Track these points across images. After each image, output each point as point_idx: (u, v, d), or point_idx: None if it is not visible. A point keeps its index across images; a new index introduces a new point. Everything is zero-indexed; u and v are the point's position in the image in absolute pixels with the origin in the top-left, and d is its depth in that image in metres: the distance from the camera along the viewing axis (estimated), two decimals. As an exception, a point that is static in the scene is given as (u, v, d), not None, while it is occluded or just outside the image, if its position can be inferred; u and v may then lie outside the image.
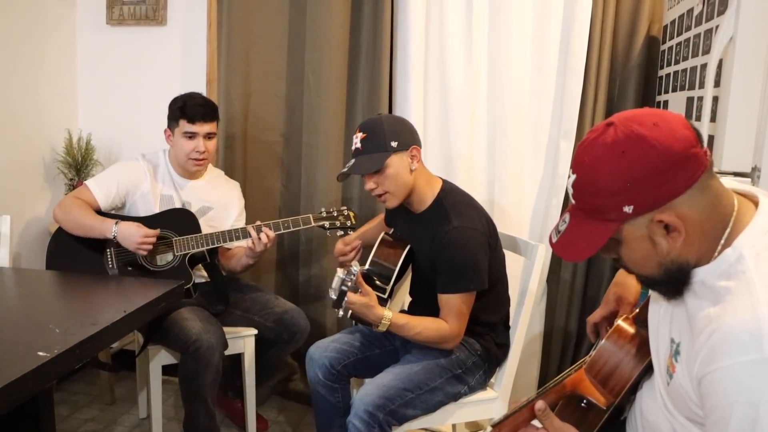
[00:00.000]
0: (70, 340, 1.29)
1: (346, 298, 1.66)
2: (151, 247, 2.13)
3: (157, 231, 2.14)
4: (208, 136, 2.25)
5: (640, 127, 0.94)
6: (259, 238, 2.15)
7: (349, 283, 1.65)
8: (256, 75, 2.69)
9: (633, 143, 0.93)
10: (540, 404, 1.13)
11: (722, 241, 0.96)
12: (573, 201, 1.03)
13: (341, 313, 1.67)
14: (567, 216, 1.04)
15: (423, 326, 1.77)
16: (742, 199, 1.00)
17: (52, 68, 2.83)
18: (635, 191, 0.93)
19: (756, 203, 0.99)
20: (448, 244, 1.76)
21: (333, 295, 1.66)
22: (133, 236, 2.10)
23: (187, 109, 2.21)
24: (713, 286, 0.95)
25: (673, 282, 1.00)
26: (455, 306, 1.77)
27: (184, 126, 2.21)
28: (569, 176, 1.02)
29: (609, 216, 0.96)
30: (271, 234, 2.16)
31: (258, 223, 2.19)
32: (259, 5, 2.63)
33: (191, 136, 2.22)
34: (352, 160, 1.84)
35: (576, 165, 1.00)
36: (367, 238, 2.12)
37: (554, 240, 1.05)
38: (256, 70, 2.68)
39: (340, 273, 1.66)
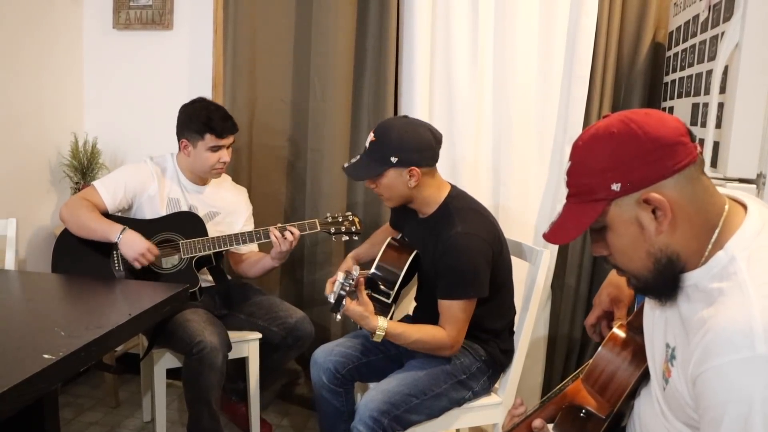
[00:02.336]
0: (75, 343, 1.30)
1: (344, 303, 1.65)
2: (147, 263, 2.11)
3: (158, 252, 2.14)
4: (229, 145, 2.27)
5: (632, 114, 1.00)
6: (284, 237, 2.15)
7: (348, 288, 1.64)
8: (262, 80, 2.69)
9: (623, 125, 0.98)
10: (538, 422, 1.13)
11: (712, 240, 0.97)
12: (567, 189, 1.06)
13: (339, 317, 1.67)
14: (561, 207, 1.07)
15: (420, 334, 1.77)
16: (732, 202, 1.02)
17: (58, 72, 2.84)
18: (622, 168, 0.96)
19: (745, 207, 1.00)
20: (450, 249, 1.75)
21: (331, 299, 1.65)
22: (137, 246, 2.09)
23: (214, 124, 2.19)
24: (706, 288, 0.96)
25: (664, 281, 1.00)
26: (454, 313, 1.76)
27: (211, 140, 2.20)
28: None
29: (597, 196, 0.99)
30: (296, 232, 2.17)
31: (279, 225, 2.20)
32: (265, 10, 2.65)
33: (217, 149, 2.23)
34: (357, 157, 1.86)
35: (571, 152, 1.05)
36: (368, 255, 2.13)
37: (547, 231, 1.08)
38: (262, 75, 2.69)
39: (340, 277, 1.65)
